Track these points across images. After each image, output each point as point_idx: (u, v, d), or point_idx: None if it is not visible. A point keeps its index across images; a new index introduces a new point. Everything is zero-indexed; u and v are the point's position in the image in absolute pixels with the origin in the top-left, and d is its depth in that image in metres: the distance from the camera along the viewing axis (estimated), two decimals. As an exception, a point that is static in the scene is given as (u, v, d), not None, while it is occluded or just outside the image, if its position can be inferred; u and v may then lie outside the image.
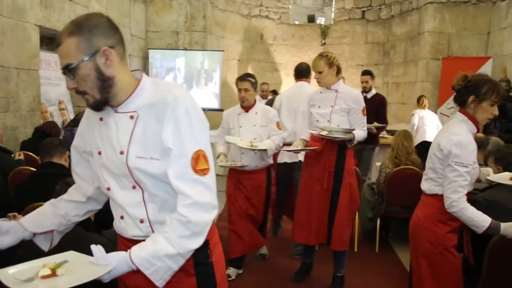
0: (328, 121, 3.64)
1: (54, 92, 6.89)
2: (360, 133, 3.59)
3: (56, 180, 2.59)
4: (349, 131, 3.53)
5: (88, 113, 1.67)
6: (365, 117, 3.67)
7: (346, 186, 3.63)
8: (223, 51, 10.07)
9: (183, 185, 1.47)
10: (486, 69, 7.91)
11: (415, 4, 9.67)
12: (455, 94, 2.59)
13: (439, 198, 2.50)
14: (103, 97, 1.50)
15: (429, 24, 8.91)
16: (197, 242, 1.50)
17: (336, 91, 3.66)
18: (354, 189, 3.75)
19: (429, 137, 6.87)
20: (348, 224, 3.78)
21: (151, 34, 9.84)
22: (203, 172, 1.49)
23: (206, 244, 1.61)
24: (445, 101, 8.29)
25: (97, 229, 2.52)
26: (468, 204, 2.40)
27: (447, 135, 2.47)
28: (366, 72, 6.19)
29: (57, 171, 3.09)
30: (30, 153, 4.65)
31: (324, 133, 3.51)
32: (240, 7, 11.14)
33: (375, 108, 5.79)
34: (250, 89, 3.87)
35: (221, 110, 9.02)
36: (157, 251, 1.44)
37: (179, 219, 1.47)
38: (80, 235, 2.12)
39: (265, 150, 3.82)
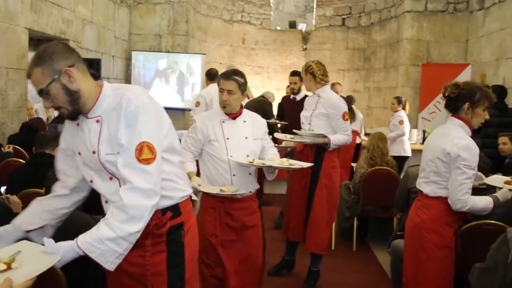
0: (309, 123, 3.84)
1: (40, 92, 6.88)
2: (338, 137, 3.74)
3: (47, 169, 2.80)
4: (322, 135, 3.67)
5: (68, 120, 1.91)
6: (347, 121, 3.81)
7: (321, 187, 3.76)
8: (204, 54, 10.17)
9: (127, 172, 1.70)
10: (465, 75, 8.21)
11: (393, 13, 9.95)
12: (447, 101, 2.73)
13: (443, 200, 2.63)
14: (74, 108, 1.77)
15: (407, 31, 9.18)
16: (137, 226, 1.67)
17: (318, 96, 3.83)
18: (332, 191, 3.85)
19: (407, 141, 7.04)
20: (325, 229, 3.86)
21: (134, 36, 9.86)
22: (147, 161, 1.70)
23: (180, 225, 1.92)
24: (426, 106, 8.57)
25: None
26: (474, 198, 2.56)
27: (451, 140, 2.60)
28: (294, 73, 5.52)
29: (48, 161, 3.25)
30: (17, 147, 4.93)
31: (289, 136, 3.78)
32: (222, 13, 11.23)
33: None
34: (235, 91, 2.87)
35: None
36: (100, 236, 1.63)
37: (116, 204, 1.68)
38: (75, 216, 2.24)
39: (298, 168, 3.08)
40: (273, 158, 2.92)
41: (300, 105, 4.35)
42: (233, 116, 2.93)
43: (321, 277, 3.97)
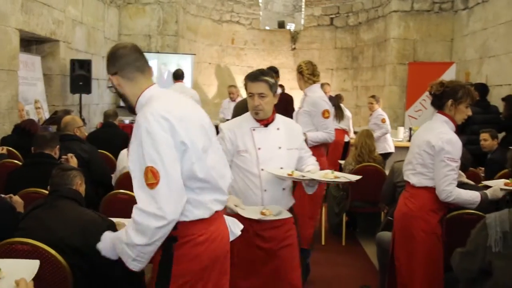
0: (296, 120, 3.97)
1: (31, 92, 6.96)
2: (317, 134, 3.88)
3: (45, 168, 2.91)
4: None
5: None
6: (327, 119, 3.92)
7: (301, 185, 3.83)
8: (194, 54, 10.27)
9: (135, 191, 1.78)
10: (450, 73, 8.40)
11: (380, 12, 10.12)
12: (433, 98, 2.90)
13: (430, 190, 2.78)
14: (127, 105, 1.99)
15: (394, 31, 9.36)
16: (141, 240, 1.74)
17: (305, 95, 3.98)
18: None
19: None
20: (308, 225, 3.91)
21: (124, 37, 9.91)
22: (151, 186, 1.73)
23: (173, 239, 1.86)
24: (412, 104, 8.74)
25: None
26: (460, 189, 2.70)
27: (436, 134, 2.77)
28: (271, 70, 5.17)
29: (47, 160, 3.38)
30: (10, 148, 4.86)
31: None
32: (212, 13, 11.32)
33: (282, 109, 5.15)
34: (267, 93, 2.56)
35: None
36: (119, 237, 1.83)
37: (132, 216, 1.77)
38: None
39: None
40: (315, 170, 2.62)
41: (278, 103, 4.03)
42: (265, 122, 2.62)
43: (312, 272, 4.07)
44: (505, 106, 6.18)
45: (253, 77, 2.59)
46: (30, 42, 7.19)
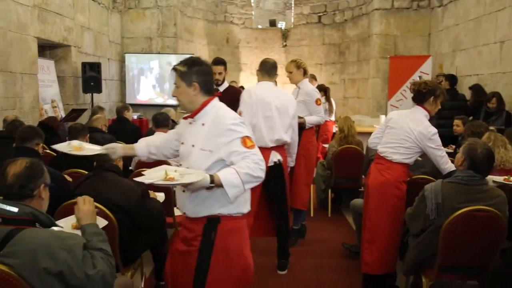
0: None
1: (48, 93, 7.70)
2: (312, 118, 4.70)
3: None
4: (299, 117, 4.44)
5: None
6: (320, 106, 4.74)
7: (300, 157, 4.59)
8: (193, 54, 10.98)
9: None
10: (427, 65, 9.19)
11: (364, 10, 10.87)
12: (416, 94, 3.59)
13: (404, 165, 3.54)
14: None
15: (376, 27, 10.12)
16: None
17: (299, 88, 4.76)
18: (309, 160, 4.78)
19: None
20: (304, 190, 4.81)
21: (126, 40, 10.64)
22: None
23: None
24: (394, 94, 9.52)
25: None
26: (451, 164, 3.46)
27: (425, 127, 3.43)
28: (219, 61, 4.68)
29: None
30: None
31: None
32: (207, 14, 12.04)
33: (230, 104, 4.54)
34: (178, 84, 2.37)
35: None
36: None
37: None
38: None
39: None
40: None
41: (224, 98, 3.34)
42: (192, 115, 2.40)
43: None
44: (472, 94, 6.97)
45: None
46: (44, 48, 7.91)
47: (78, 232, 2.16)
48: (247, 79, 12.42)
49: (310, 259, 4.47)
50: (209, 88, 2.36)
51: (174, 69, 2.35)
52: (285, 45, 12.72)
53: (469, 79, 7.88)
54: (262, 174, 2.18)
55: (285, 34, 12.77)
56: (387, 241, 3.53)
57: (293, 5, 12.89)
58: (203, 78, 2.33)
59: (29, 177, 1.95)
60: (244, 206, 2.36)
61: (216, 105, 2.39)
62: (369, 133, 7.12)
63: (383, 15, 10.06)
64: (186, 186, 2.17)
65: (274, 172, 3.86)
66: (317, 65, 12.16)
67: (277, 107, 3.90)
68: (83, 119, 7.04)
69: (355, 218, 4.37)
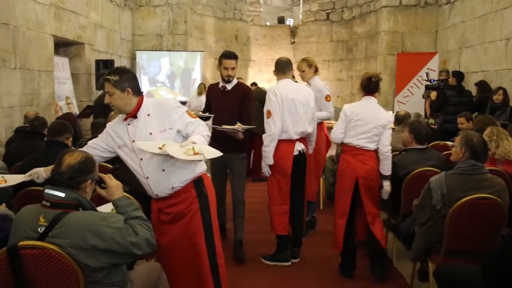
0: None
1: (62, 90, 7.91)
2: (322, 113, 4.83)
3: None
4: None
5: None
6: (329, 102, 4.89)
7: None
8: (203, 51, 11.18)
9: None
10: (434, 62, 9.33)
11: (372, 7, 11.02)
12: (369, 85, 3.92)
13: (376, 151, 3.89)
14: None
15: (384, 24, 10.26)
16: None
17: (310, 84, 4.93)
18: (319, 154, 4.97)
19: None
20: (314, 182, 5.03)
21: (137, 37, 10.85)
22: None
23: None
24: (401, 90, 9.66)
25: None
26: None
27: (385, 114, 3.88)
28: (233, 56, 4.27)
29: None
30: None
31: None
32: (216, 11, 12.23)
33: (239, 102, 4.31)
34: (112, 91, 2.63)
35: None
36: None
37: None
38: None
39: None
40: (195, 139, 2.61)
41: (229, 96, 4.26)
42: (131, 115, 2.70)
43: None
44: (478, 90, 7.10)
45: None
46: (58, 45, 8.11)
47: None
48: (255, 75, 12.61)
49: (320, 248, 4.65)
50: (138, 91, 2.72)
51: (106, 79, 2.63)
52: (293, 42, 12.89)
53: (475, 76, 8.02)
54: (209, 133, 2.81)
55: (293, 31, 12.94)
56: (378, 214, 3.98)
57: (301, 2, 13.04)
58: (133, 83, 2.68)
59: (80, 170, 2.13)
60: (204, 166, 2.91)
61: (148, 98, 2.81)
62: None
63: (391, 12, 10.20)
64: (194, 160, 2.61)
65: (298, 160, 4.19)
66: (325, 61, 12.32)
67: (301, 102, 4.10)
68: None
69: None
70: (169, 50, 10.78)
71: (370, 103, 3.88)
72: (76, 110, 8.06)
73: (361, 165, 3.84)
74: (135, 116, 2.69)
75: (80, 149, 2.56)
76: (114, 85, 2.60)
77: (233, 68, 4.28)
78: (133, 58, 10.74)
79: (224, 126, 3.98)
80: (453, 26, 9.17)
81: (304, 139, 4.30)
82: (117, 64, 9.72)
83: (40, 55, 6.72)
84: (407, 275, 3.89)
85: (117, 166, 3.32)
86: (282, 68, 4.24)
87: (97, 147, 2.85)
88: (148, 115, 2.71)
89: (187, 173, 2.78)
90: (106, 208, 2.63)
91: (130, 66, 10.65)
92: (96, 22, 8.76)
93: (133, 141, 2.70)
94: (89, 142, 2.92)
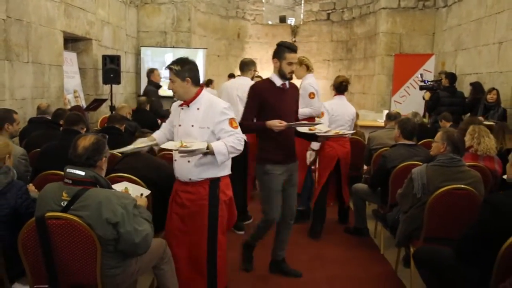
0: None
1: (70, 83, 8.19)
2: (305, 110, 5.01)
3: (114, 138, 3.86)
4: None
5: None
6: (313, 99, 5.08)
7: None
8: (206, 48, 11.46)
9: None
10: (430, 63, 9.61)
11: (371, 9, 11.29)
12: (341, 87, 4.99)
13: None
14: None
15: (383, 26, 10.53)
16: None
17: (301, 82, 5.22)
18: (305, 147, 5.29)
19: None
20: (300, 176, 5.29)
21: (142, 34, 11.13)
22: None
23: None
24: (398, 90, 9.93)
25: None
26: None
27: (352, 110, 5.08)
28: (295, 49, 3.73)
29: (116, 131, 4.68)
30: None
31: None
32: (219, 10, 12.51)
33: (296, 102, 4.03)
34: (174, 79, 3.00)
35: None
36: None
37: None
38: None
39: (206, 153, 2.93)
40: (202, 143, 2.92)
41: (289, 94, 3.76)
42: (187, 103, 3.04)
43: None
44: (471, 91, 7.37)
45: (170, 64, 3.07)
46: (66, 41, 8.37)
47: None
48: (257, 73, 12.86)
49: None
50: (197, 81, 3.04)
51: (169, 68, 2.98)
52: (294, 41, 13.12)
53: (469, 78, 8.29)
54: (242, 148, 3.03)
55: (294, 30, 13.21)
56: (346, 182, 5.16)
57: (303, 1, 13.31)
58: (193, 73, 3.00)
59: (94, 151, 2.46)
60: (229, 169, 3.16)
61: (205, 94, 3.09)
62: (372, 127, 7.67)
63: (390, 14, 10.47)
64: (189, 153, 2.86)
65: None
66: (325, 61, 12.60)
67: (238, 96, 5.07)
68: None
69: (355, 201, 4.84)
70: (173, 47, 11.06)
71: (342, 101, 4.96)
72: (83, 103, 8.34)
73: (342, 148, 4.92)
74: (188, 105, 3.04)
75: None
76: (176, 74, 2.97)
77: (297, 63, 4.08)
78: (137, 54, 11.02)
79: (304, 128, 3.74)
80: (449, 29, 9.44)
81: None
82: (123, 59, 10.01)
83: (50, 50, 7.00)
84: (393, 262, 4.19)
85: (127, 153, 3.61)
86: (240, 67, 5.28)
87: (169, 126, 3.29)
88: (198, 109, 3.02)
89: (207, 172, 3.04)
90: (120, 186, 2.95)
91: (135, 62, 10.96)
92: (103, 19, 9.04)
93: (180, 125, 3.07)
94: (163, 124, 3.39)
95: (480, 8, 8.16)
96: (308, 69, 5.31)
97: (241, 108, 4.54)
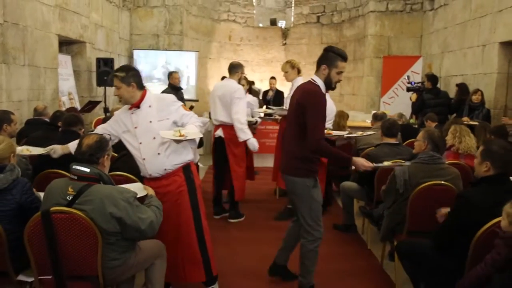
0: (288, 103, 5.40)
1: (65, 86, 8.31)
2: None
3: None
4: (284, 109, 5.51)
5: None
6: None
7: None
8: (198, 51, 11.62)
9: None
10: (418, 65, 9.84)
11: (360, 12, 11.52)
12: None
13: None
14: None
15: (371, 28, 10.76)
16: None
17: (292, 84, 5.42)
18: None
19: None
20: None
21: (135, 36, 11.27)
22: None
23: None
24: (386, 92, 10.15)
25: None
26: None
27: (333, 107, 5.15)
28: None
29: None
30: None
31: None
32: (211, 13, 12.67)
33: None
34: (119, 86, 3.16)
35: (197, 100, 11.08)
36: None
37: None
38: None
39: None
40: (187, 129, 3.16)
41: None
42: (136, 105, 3.21)
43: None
44: (457, 91, 7.58)
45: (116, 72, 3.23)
46: (61, 44, 8.49)
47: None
48: (248, 75, 13.00)
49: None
50: (141, 85, 3.24)
51: (115, 75, 3.17)
52: (285, 44, 13.36)
53: (455, 79, 8.52)
54: (202, 123, 3.38)
55: (285, 33, 13.41)
56: None
57: (293, 4, 13.51)
58: (137, 79, 3.21)
59: (97, 148, 2.64)
60: (192, 154, 3.42)
61: (150, 93, 3.31)
62: (361, 127, 7.85)
63: (378, 17, 10.70)
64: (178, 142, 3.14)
65: (218, 142, 5.49)
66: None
67: (218, 97, 5.39)
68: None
69: (343, 198, 5.04)
70: (166, 50, 11.20)
71: (328, 98, 4.68)
72: (78, 105, 8.46)
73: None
74: (138, 107, 3.22)
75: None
76: (121, 80, 3.15)
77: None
78: (130, 57, 11.16)
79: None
80: (436, 32, 9.69)
81: (225, 126, 5.29)
82: (116, 62, 10.12)
83: (46, 53, 7.13)
84: (379, 256, 4.38)
85: (124, 152, 3.77)
86: (229, 69, 5.45)
87: (105, 132, 3.23)
88: (150, 106, 3.22)
89: (179, 158, 3.29)
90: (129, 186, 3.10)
91: (128, 64, 11.09)
92: (96, 22, 9.17)
93: (136, 127, 3.21)
94: (98, 127, 3.44)
95: (464, 12, 8.40)
96: (299, 72, 5.52)
97: (219, 108, 5.30)
